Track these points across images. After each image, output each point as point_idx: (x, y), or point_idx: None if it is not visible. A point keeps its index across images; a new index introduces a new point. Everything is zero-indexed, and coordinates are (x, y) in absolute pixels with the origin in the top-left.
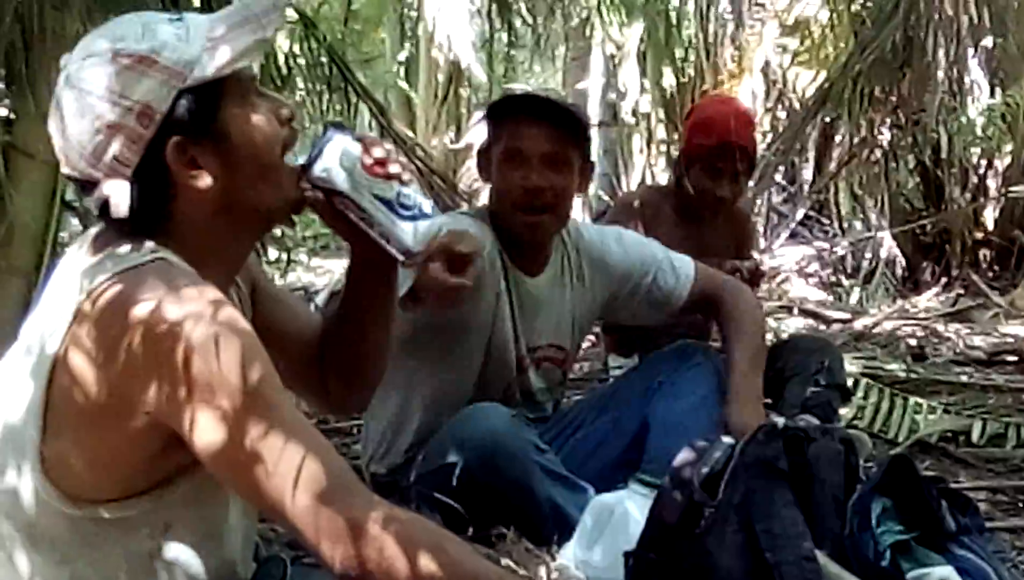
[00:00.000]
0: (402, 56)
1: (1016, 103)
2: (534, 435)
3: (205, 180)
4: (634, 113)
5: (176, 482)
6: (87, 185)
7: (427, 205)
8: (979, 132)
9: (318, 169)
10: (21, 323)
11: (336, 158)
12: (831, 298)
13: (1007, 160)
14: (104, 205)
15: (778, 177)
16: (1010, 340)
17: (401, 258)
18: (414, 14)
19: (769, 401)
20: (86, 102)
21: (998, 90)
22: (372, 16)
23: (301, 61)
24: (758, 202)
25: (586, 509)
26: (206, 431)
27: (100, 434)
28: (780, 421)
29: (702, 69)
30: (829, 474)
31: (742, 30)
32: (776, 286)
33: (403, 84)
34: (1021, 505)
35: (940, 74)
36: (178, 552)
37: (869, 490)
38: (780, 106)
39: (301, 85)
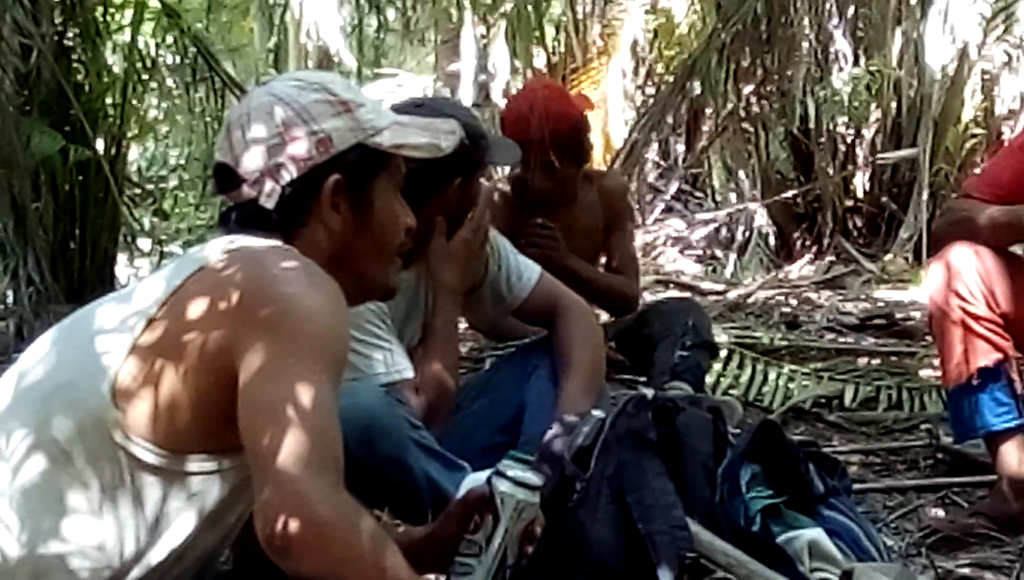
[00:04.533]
0: (271, 44)
1: (880, 71)
2: (407, 412)
3: (335, 225)
4: (505, 94)
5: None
6: (229, 180)
7: None
8: (846, 101)
9: (508, 480)
10: None
11: (523, 501)
12: (706, 270)
13: (874, 128)
14: (244, 205)
15: (651, 153)
16: (881, 305)
17: None
18: (281, 1)
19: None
20: (278, 109)
21: (863, 59)
22: (239, 4)
23: (165, 53)
24: (629, 180)
25: (461, 486)
26: (258, 362)
27: (186, 369)
28: (649, 393)
29: (572, 48)
30: (698, 443)
31: (611, 7)
32: (651, 260)
33: (273, 72)
34: (892, 466)
35: (805, 44)
36: None
37: (738, 457)
38: (649, 82)
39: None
